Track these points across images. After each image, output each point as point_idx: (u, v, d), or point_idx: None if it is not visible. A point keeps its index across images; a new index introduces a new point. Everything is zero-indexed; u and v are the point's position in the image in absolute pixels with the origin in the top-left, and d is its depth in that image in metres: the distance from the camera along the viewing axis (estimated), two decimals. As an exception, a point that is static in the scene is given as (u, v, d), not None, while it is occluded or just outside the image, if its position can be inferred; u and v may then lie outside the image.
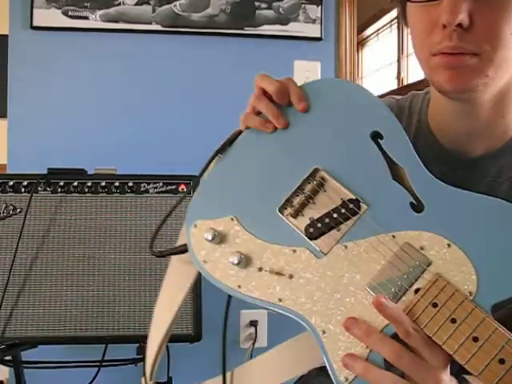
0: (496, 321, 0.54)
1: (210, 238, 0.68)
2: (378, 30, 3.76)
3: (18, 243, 1.29)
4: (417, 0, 0.67)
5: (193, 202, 0.73)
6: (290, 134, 0.72)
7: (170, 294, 0.76)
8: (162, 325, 0.76)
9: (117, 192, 1.35)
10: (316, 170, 0.69)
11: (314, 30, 1.82)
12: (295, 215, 0.68)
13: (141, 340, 1.27)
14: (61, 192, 1.34)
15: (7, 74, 1.72)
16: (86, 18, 1.73)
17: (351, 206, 0.65)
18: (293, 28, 1.81)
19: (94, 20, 1.73)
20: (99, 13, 1.73)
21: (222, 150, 0.74)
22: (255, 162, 0.73)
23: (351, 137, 0.69)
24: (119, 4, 1.74)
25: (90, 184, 1.35)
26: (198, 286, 1.32)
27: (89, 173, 1.39)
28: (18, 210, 1.32)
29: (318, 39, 1.83)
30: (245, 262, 0.67)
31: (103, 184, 1.35)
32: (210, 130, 1.49)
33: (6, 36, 1.72)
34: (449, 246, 0.59)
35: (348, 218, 0.65)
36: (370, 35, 3.87)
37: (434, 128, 0.78)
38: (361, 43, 3.92)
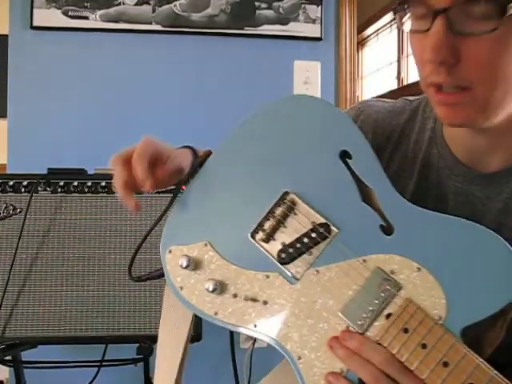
0: (465, 345, 0.54)
1: (184, 264, 0.68)
2: (378, 30, 3.76)
3: (18, 243, 1.29)
4: (410, 29, 0.63)
5: (167, 227, 0.72)
6: (261, 157, 0.71)
7: (171, 344, 0.75)
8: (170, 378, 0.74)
9: (117, 192, 1.35)
10: (286, 194, 0.68)
11: (314, 30, 1.82)
12: (267, 240, 0.67)
13: (141, 340, 1.27)
14: (61, 192, 1.34)
15: (7, 74, 1.72)
16: (86, 18, 1.73)
17: (321, 230, 0.64)
18: (293, 28, 1.81)
19: (94, 20, 1.73)
20: (99, 13, 1.73)
21: (192, 173, 0.73)
22: (227, 185, 0.72)
23: (320, 157, 0.68)
24: (119, 4, 1.74)
25: (90, 184, 1.35)
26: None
27: (89, 173, 1.39)
28: (18, 210, 1.32)
29: (318, 39, 1.83)
30: (220, 288, 0.66)
31: (103, 184, 1.35)
32: (210, 130, 1.49)
33: (6, 36, 1.72)
34: (419, 269, 0.59)
35: (318, 243, 0.64)
36: (370, 35, 3.87)
37: (448, 139, 0.73)
38: (361, 43, 3.92)
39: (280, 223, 0.67)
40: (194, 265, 0.68)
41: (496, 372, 0.53)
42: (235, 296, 0.66)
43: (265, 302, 0.65)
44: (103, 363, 1.39)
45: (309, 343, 0.61)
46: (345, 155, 0.66)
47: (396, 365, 0.56)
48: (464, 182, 0.71)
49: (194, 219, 0.71)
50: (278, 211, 0.67)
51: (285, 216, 0.67)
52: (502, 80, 0.59)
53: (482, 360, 0.53)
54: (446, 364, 0.54)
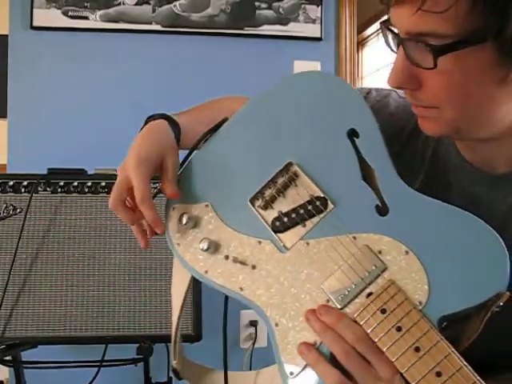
0: (440, 333, 0.55)
1: (184, 221, 0.70)
2: (378, 30, 3.75)
3: (18, 243, 1.29)
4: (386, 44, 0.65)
5: None
6: (271, 127, 0.72)
7: (178, 284, 0.77)
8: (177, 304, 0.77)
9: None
10: (289, 164, 0.69)
11: (314, 30, 1.82)
12: (265, 207, 0.68)
13: (141, 340, 1.27)
14: (61, 192, 1.34)
15: (7, 73, 1.72)
16: (86, 17, 1.73)
17: (318, 203, 0.65)
18: (293, 28, 1.81)
19: (94, 20, 1.73)
20: (99, 13, 1.73)
21: (206, 135, 0.75)
22: (235, 150, 0.73)
23: (328, 132, 0.69)
24: (119, 4, 1.74)
25: (89, 184, 1.35)
26: (198, 286, 1.32)
27: (89, 173, 1.39)
28: (18, 210, 1.32)
29: (318, 39, 1.83)
30: (213, 248, 0.68)
31: (103, 184, 1.35)
32: (210, 130, 1.48)
33: (6, 36, 1.72)
34: (407, 253, 0.59)
35: (313, 216, 0.65)
36: (370, 35, 3.87)
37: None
38: (361, 43, 3.92)
39: (280, 192, 0.68)
40: (193, 223, 0.71)
41: (466, 363, 0.53)
42: (227, 258, 0.68)
43: (253, 267, 0.66)
44: (103, 363, 1.39)
45: (288, 312, 0.63)
46: (353, 134, 0.67)
47: (368, 344, 0.57)
48: (470, 183, 0.71)
49: (200, 181, 0.73)
50: (280, 181, 0.69)
51: (285, 186, 0.68)
52: (465, 105, 0.60)
53: (453, 350, 0.54)
54: (417, 349, 0.55)
